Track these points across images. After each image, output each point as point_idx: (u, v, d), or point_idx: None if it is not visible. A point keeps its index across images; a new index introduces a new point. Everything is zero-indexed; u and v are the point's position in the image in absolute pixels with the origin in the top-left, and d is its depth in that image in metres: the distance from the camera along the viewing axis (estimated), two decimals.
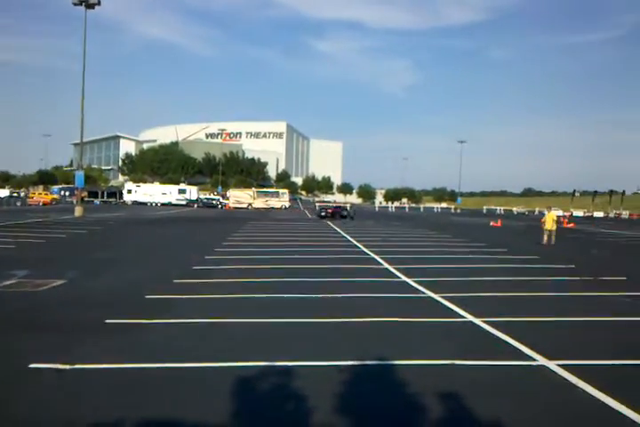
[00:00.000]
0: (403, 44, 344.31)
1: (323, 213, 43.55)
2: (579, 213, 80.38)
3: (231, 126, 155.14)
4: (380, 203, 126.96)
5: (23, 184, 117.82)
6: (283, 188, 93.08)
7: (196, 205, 69.40)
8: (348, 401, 4.75)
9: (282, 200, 72.61)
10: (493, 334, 7.07)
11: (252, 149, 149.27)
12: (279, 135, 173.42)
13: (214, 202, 71.65)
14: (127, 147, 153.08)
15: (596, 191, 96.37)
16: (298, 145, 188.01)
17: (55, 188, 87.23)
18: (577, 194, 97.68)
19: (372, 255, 16.06)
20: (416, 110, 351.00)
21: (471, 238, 24.07)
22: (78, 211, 36.28)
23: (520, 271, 13.54)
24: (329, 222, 36.43)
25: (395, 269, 13.09)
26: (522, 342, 6.60)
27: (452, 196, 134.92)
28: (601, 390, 5.03)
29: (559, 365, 5.76)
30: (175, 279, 10.88)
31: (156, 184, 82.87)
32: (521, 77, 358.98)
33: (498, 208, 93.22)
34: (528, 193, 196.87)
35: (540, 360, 5.95)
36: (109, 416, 4.33)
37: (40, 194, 70.76)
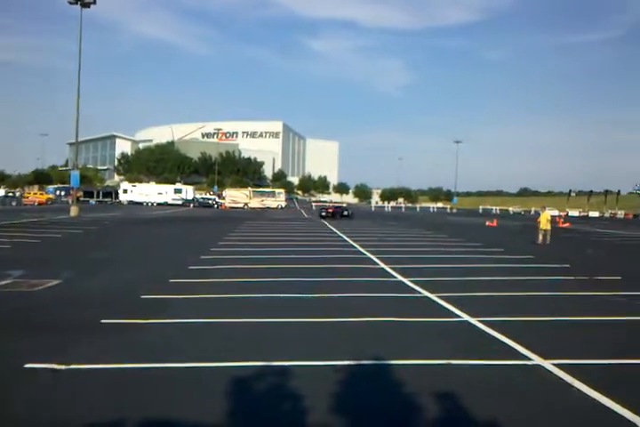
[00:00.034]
0: (397, 43, 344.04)
1: (324, 213, 43.71)
2: (574, 212, 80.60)
3: (227, 126, 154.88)
4: (377, 203, 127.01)
5: (18, 184, 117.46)
6: (279, 187, 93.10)
7: (192, 205, 69.36)
8: (345, 401, 4.75)
9: (278, 200, 72.58)
10: (489, 334, 7.08)
11: (248, 148, 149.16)
12: (275, 135, 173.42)
13: (210, 202, 71.62)
14: (123, 146, 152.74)
15: (591, 191, 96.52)
16: (294, 145, 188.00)
17: (51, 187, 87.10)
18: (572, 194, 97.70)
19: (369, 255, 16.07)
20: (412, 110, 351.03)
21: (467, 238, 24.12)
22: (74, 211, 36.18)
23: (516, 271, 13.58)
24: (325, 222, 36.44)
25: (391, 268, 13.11)
26: (517, 342, 6.61)
27: (448, 195, 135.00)
28: (596, 389, 5.05)
29: (554, 364, 5.78)
30: (171, 279, 10.87)
31: (152, 184, 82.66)
32: (516, 77, 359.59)
33: (494, 208, 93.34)
34: (524, 193, 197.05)
35: (536, 360, 5.97)
36: (105, 416, 4.32)
37: (35, 194, 70.52)
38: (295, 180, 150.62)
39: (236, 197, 71.28)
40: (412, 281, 11.19)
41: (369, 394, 4.99)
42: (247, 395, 4.90)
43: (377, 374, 5.54)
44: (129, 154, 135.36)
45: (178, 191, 74.97)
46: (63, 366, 5.41)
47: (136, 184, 79.22)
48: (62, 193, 76.53)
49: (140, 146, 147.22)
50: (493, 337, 6.94)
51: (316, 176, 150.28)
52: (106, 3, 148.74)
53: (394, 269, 13.01)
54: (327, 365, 5.68)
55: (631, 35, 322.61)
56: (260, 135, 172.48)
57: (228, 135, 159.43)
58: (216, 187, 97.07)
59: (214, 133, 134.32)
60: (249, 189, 78.92)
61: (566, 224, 42.86)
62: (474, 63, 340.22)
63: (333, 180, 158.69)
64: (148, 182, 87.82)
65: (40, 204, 58.43)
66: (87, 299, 8.95)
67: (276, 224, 33.86)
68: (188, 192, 75.70)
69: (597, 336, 7.26)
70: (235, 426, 4.33)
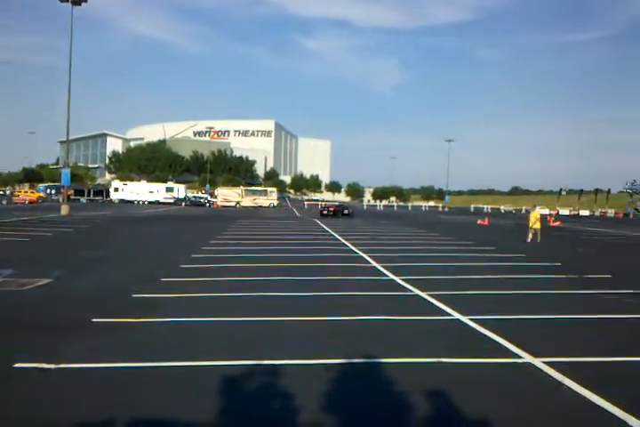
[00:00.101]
0: (390, 42, 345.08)
1: (325, 212, 43.72)
2: (565, 211, 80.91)
3: (219, 124, 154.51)
4: (369, 201, 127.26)
5: (9, 182, 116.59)
6: (271, 186, 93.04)
7: (183, 204, 69.09)
8: (336, 399, 4.76)
9: (270, 198, 72.55)
10: (480, 332, 7.11)
11: (240, 147, 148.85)
12: (267, 133, 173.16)
13: (202, 200, 71.35)
14: (114, 145, 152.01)
15: (582, 190, 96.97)
16: (286, 143, 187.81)
17: (41, 186, 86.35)
18: (563, 192, 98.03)
19: (361, 254, 16.08)
20: (404, 109, 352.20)
21: (459, 237, 24.19)
22: (64, 209, 35.93)
23: (507, 269, 13.63)
24: (317, 221, 36.43)
25: (383, 267, 13.13)
26: (508, 340, 6.64)
27: (439, 194, 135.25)
28: (586, 387, 5.08)
29: (545, 362, 5.81)
30: (162, 278, 10.82)
31: (144, 182, 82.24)
32: (509, 76, 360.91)
33: (485, 207, 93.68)
34: (515, 192, 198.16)
35: (526, 358, 5.99)
36: (95, 416, 4.30)
37: (26, 192, 69.92)
38: (287, 178, 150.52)
39: (228, 195, 71.09)
40: (403, 280, 11.21)
41: (360, 392, 4.99)
42: (239, 394, 4.89)
43: (368, 372, 5.54)
44: (120, 152, 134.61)
45: (169, 190, 74.60)
46: (53, 366, 5.37)
47: (127, 183, 78.71)
48: (53, 191, 75.87)
49: (132, 144, 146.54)
50: (484, 335, 6.96)
51: (308, 175, 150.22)
52: (97, 0, 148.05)
53: (385, 267, 13.03)
54: (319, 363, 5.68)
55: (625, 34, 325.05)
56: (253, 134, 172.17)
57: (220, 134, 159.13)
58: (208, 185, 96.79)
59: (206, 132, 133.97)
60: (241, 187, 78.79)
61: (557, 223, 43.07)
62: (467, 62, 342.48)
63: (325, 178, 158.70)
64: (140, 181, 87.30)
65: (31, 202, 57.93)
66: (78, 298, 8.89)
67: (268, 223, 33.81)
68: (180, 191, 75.33)
69: (588, 334, 7.31)
70: (226, 425, 4.32)
